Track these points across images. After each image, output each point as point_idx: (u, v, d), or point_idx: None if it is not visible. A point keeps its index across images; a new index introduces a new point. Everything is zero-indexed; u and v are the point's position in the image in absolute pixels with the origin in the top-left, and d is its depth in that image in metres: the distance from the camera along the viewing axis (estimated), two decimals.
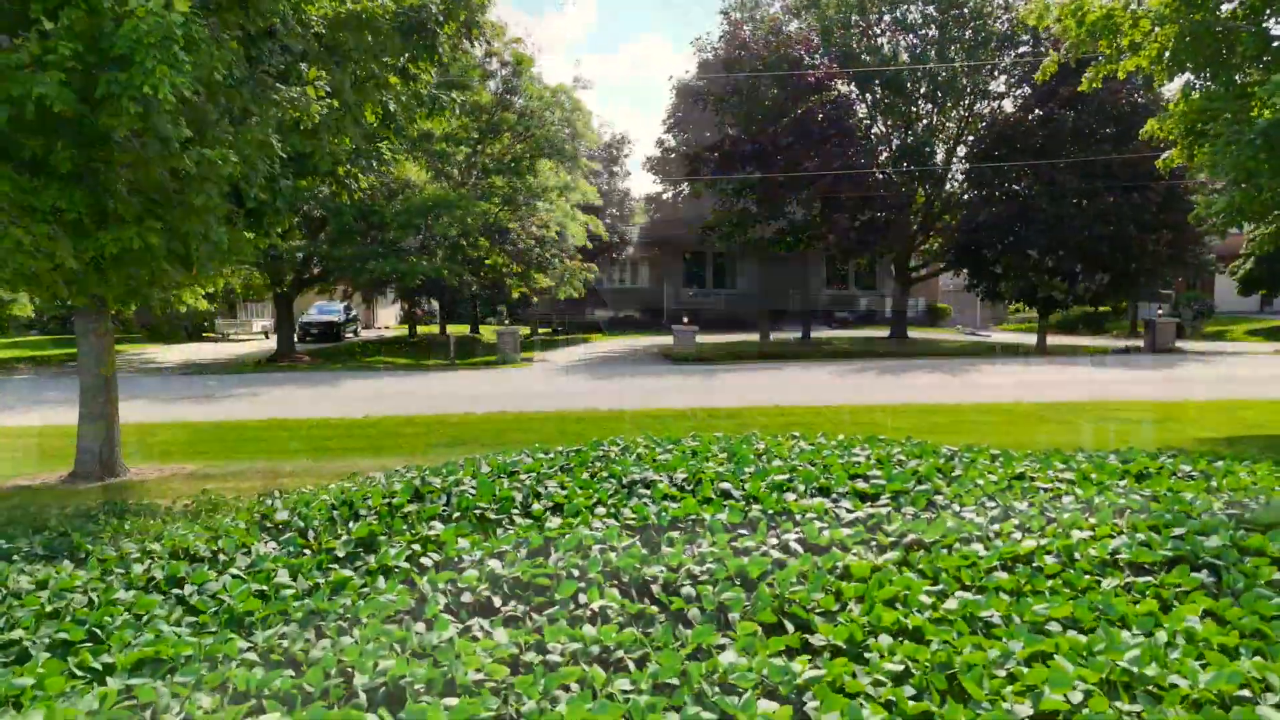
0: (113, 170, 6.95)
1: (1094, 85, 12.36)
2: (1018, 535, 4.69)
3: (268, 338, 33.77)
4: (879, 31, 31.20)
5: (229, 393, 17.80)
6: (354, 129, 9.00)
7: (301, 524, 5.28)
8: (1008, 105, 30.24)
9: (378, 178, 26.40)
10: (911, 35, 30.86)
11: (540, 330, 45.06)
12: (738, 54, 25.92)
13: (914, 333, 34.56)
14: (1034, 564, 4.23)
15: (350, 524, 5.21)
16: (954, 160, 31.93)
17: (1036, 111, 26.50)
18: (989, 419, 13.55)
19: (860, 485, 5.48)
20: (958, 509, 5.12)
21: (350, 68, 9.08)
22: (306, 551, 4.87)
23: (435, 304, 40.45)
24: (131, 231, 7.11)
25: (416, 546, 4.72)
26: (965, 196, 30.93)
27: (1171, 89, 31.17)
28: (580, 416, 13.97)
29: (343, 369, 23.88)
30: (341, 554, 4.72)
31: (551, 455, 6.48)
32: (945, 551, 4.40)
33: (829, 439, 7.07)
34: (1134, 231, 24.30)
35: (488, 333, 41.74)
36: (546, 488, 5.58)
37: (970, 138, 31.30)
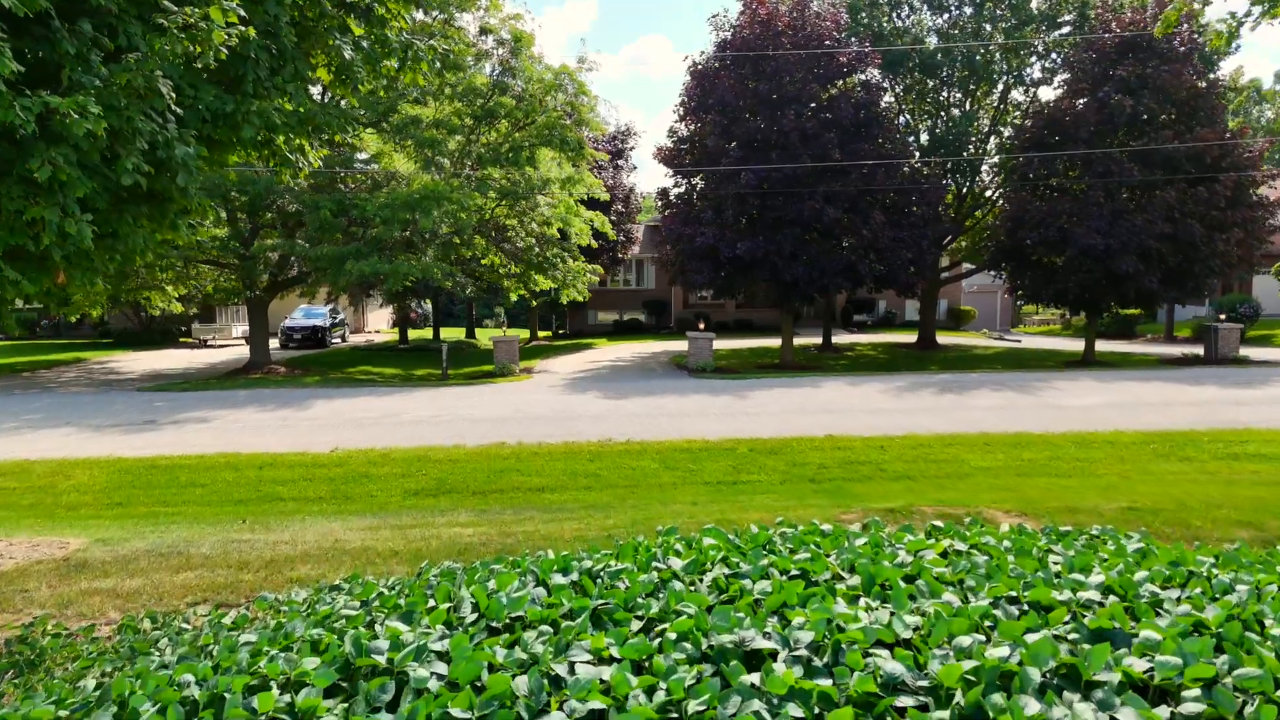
0: None
1: (1233, 41, 10.01)
2: None
3: (247, 343, 31.24)
4: (908, 12, 28.82)
5: (179, 415, 15.27)
6: (296, 83, 6.58)
7: None
8: (1044, 92, 27.89)
9: (361, 170, 23.98)
10: (943, 16, 28.50)
11: (540, 334, 42.62)
12: (758, 31, 23.47)
13: (938, 337, 32.13)
14: None
15: None
16: (988, 152, 29.51)
17: (1083, 99, 24.02)
18: (1093, 455, 11.11)
19: (1131, 664, 3.06)
20: None
21: (290, 0, 6.66)
22: None
23: (429, 306, 37.97)
24: None
25: None
26: (1000, 192, 28.53)
27: (1228, 68, 28.56)
28: (594, 451, 11.50)
29: (320, 383, 21.37)
30: None
31: (576, 579, 4.04)
32: None
33: (996, 538, 4.64)
34: (1200, 229, 21.85)
35: (485, 337, 39.26)
36: (572, 665, 3.14)
37: (1007, 129, 28.93)
